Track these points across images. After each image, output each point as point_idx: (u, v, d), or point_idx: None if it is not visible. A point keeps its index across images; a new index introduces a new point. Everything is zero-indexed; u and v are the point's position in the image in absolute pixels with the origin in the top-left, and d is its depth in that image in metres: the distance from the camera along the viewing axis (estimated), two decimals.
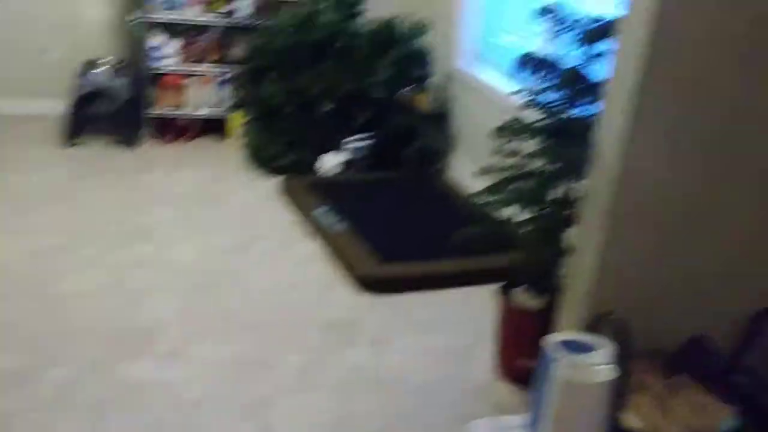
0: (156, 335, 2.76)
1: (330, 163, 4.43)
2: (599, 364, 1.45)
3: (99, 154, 4.61)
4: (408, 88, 4.61)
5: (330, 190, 4.11)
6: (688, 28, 1.85)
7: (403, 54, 4.54)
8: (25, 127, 4.74)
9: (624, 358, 1.53)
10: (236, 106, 4.92)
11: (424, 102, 4.62)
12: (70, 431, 2.23)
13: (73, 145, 4.65)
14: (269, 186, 4.32)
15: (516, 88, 2.62)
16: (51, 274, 3.12)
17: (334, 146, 4.49)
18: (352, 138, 4.46)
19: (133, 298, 3.01)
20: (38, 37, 5.01)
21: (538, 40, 2.64)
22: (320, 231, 3.67)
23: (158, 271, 3.25)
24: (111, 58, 4.97)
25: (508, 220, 2.63)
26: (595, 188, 2.08)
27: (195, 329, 2.84)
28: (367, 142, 4.50)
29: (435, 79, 4.72)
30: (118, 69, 4.89)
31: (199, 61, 4.98)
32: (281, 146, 4.48)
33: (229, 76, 4.98)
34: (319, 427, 2.37)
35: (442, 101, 4.68)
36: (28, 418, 2.24)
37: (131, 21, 4.82)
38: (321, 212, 3.81)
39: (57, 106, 4.88)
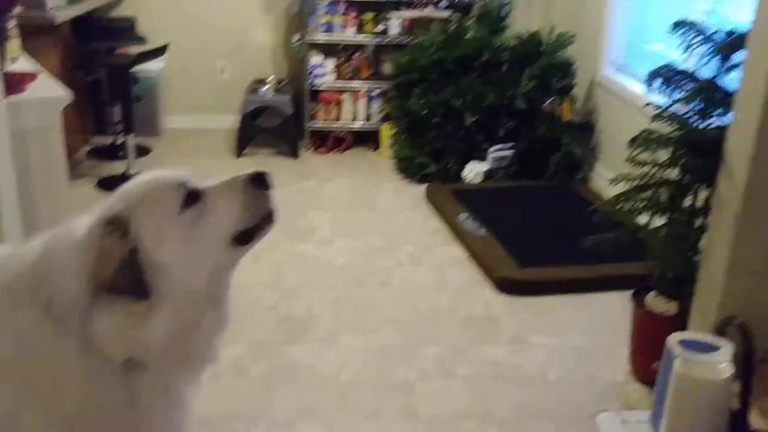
0: (311, 324, 3.10)
1: (473, 171, 4.64)
2: (718, 362, 1.53)
3: (264, 163, 5.11)
4: (551, 98, 4.73)
5: (472, 198, 4.32)
6: None
7: (546, 65, 4.66)
8: (203, 139, 5.34)
9: (747, 360, 1.59)
10: (386, 119, 5.26)
11: (568, 112, 4.72)
12: (246, 398, 2.60)
13: (242, 155, 5.18)
14: (416, 193, 4.60)
15: (652, 99, 2.71)
16: None
17: (477, 156, 4.70)
18: (495, 148, 4.63)
19: (292, 291, 3.37)
20: (215, 61, 5.63)
21: (680, 50, 2.70)
22: (462, 236, 3.89)
23: (314, 268, 3.61)
24: (275, 77, 5.49)
25: (642, 227, 2.72)
26: (725, 197, 2.15)
27: (345, 320, 3.15)
28: (510, 151, 4.66)
29: (578, 89, 4.80)
30: (282, 87, 5.38)
31: (353, 77, 5.37)
32: (427, 156, 4.74)
33: (379, 91, 5.33)
34: (455, 410, 2.59)
35: (585, 111, 4.75)
36: (209, 387, 2.62)
37: (294, 43, 5.30)
38: (463, 218, 4.02)
39: (230, 121, 5.48)
